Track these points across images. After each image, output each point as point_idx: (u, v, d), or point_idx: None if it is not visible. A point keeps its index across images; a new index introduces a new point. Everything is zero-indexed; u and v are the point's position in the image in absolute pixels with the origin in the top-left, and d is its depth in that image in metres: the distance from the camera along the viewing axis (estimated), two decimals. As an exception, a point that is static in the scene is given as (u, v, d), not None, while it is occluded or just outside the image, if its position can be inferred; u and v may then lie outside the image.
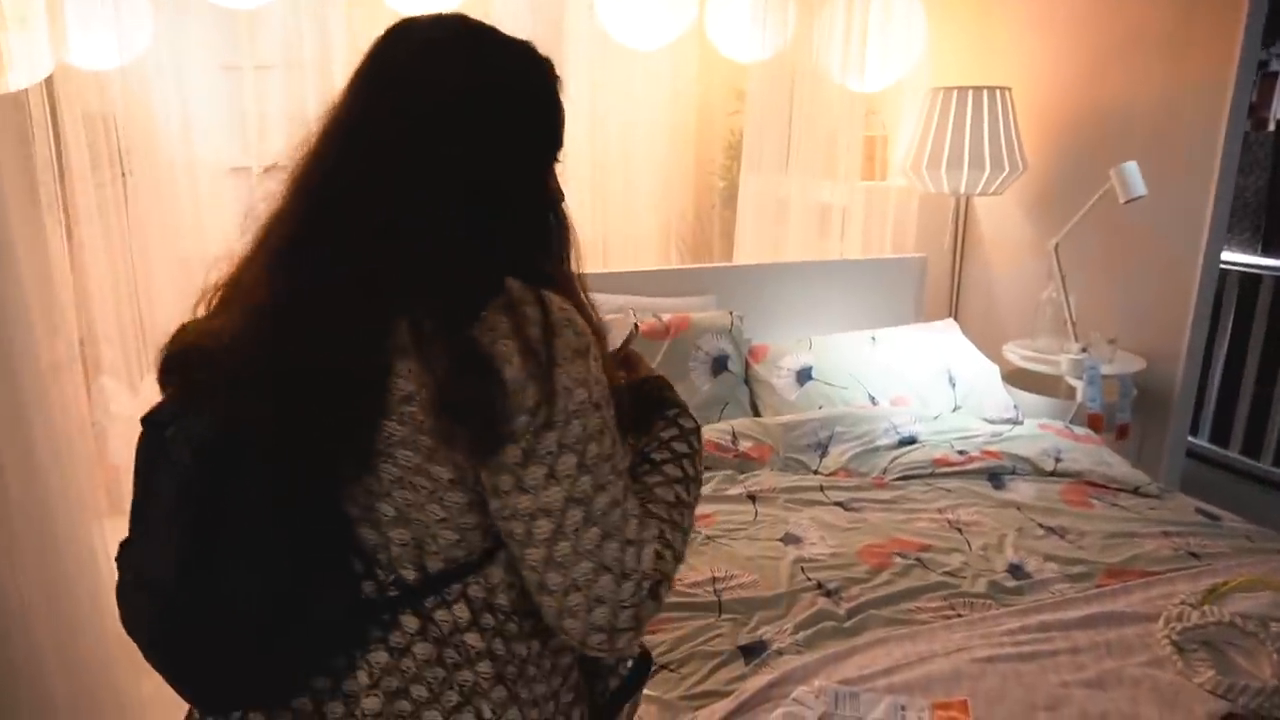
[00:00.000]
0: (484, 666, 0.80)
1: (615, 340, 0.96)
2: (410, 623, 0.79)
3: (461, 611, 0.80)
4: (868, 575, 1.68)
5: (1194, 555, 1.79)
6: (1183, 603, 1.57)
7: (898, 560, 1.74)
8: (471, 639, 0.80)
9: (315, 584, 0.77)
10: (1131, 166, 2.43)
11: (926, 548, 1.80)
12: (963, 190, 2.88)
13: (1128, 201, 2.44)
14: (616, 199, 3.61)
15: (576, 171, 3.31)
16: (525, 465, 0.74)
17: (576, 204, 3.39)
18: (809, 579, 1.66)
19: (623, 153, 3.58)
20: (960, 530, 1.89)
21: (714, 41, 2.90)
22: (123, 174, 3.35)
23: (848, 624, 1.53)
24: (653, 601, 0.78)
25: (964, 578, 1.69)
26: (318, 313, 0.74)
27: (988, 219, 3.22)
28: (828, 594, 1.61)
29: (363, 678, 0.79)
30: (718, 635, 1.50)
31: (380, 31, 0.83)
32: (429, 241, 0.75)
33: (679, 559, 0.82)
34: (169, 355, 0.81)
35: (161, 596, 0.75)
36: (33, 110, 2.26)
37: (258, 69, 2.76)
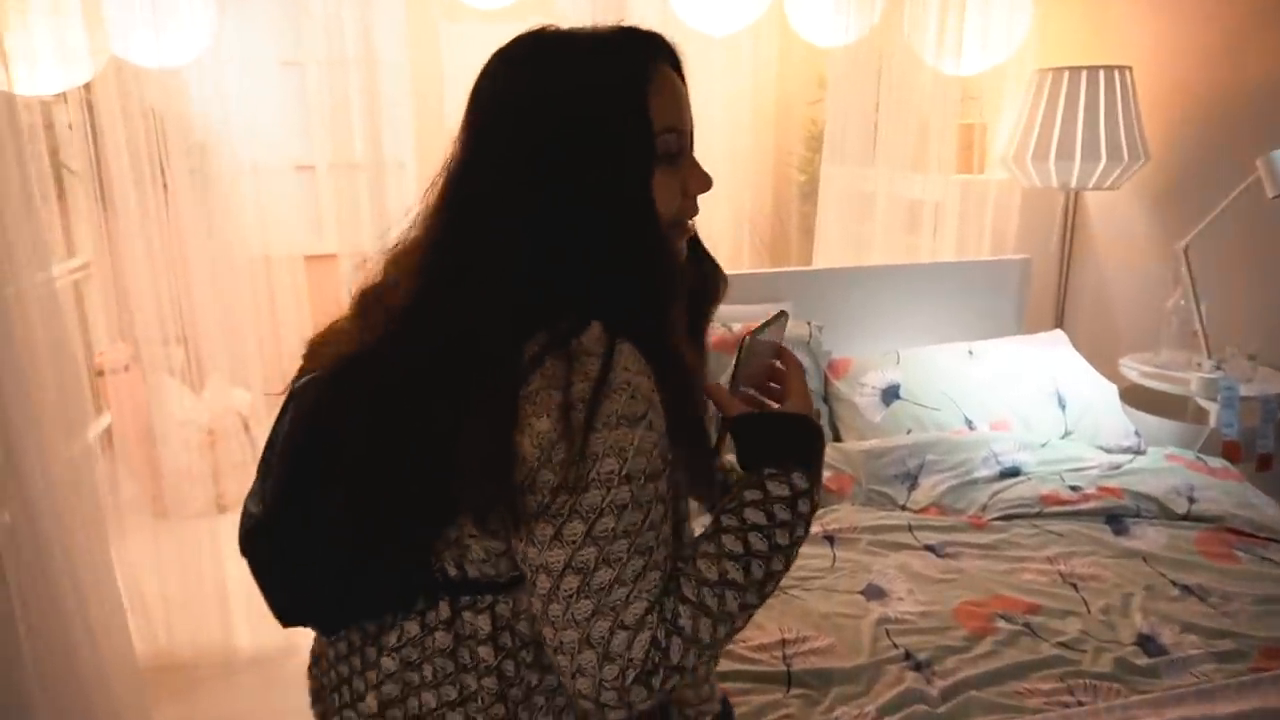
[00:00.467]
0: (489, 682, 0.81)
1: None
2: (444, 610, 0.81)
3: (484, 623, 0.81)
4: (966, 643, 1.42)
5: (1372, 630, 1.47)
6: (1367, 698, 1.27)
7: (1001, 625, 1.47)
8: (485, 652, 0.81)
9: (388, 545, 0.81)
10: (1284, 156, 2.08)
11: (1035, 609, 1.52)
12: (1074, 184, 2.55)
13: (1277, 196, 2.08)
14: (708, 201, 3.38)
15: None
16: (537, 519, 0.73)
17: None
18: (896, 646, 1.41)
19: (696, 145, 3.37)
20: (1075, 586, 1.61)
21: (794, 25, 2.64)
22: (163, 177, 3.30)
23: (942, 709, 1.27)
24: (642, 689, 0.73)
25: (1084, 651, 1.41)
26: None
27: (1102, 217, 2.87)
28: (917, 667, 1.36)
29: (392, 638, 0.83)
30: (785, 716, 1.27)
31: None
32: (499, 282, 0.75)
33: (702, 648, 0.75)
34: (314, 339, 0.92)
35: (262, 519, 0.86)
36: (99, 106, 2.16)
37: (319, 64, 2.61)
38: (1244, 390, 2.22)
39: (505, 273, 0.75)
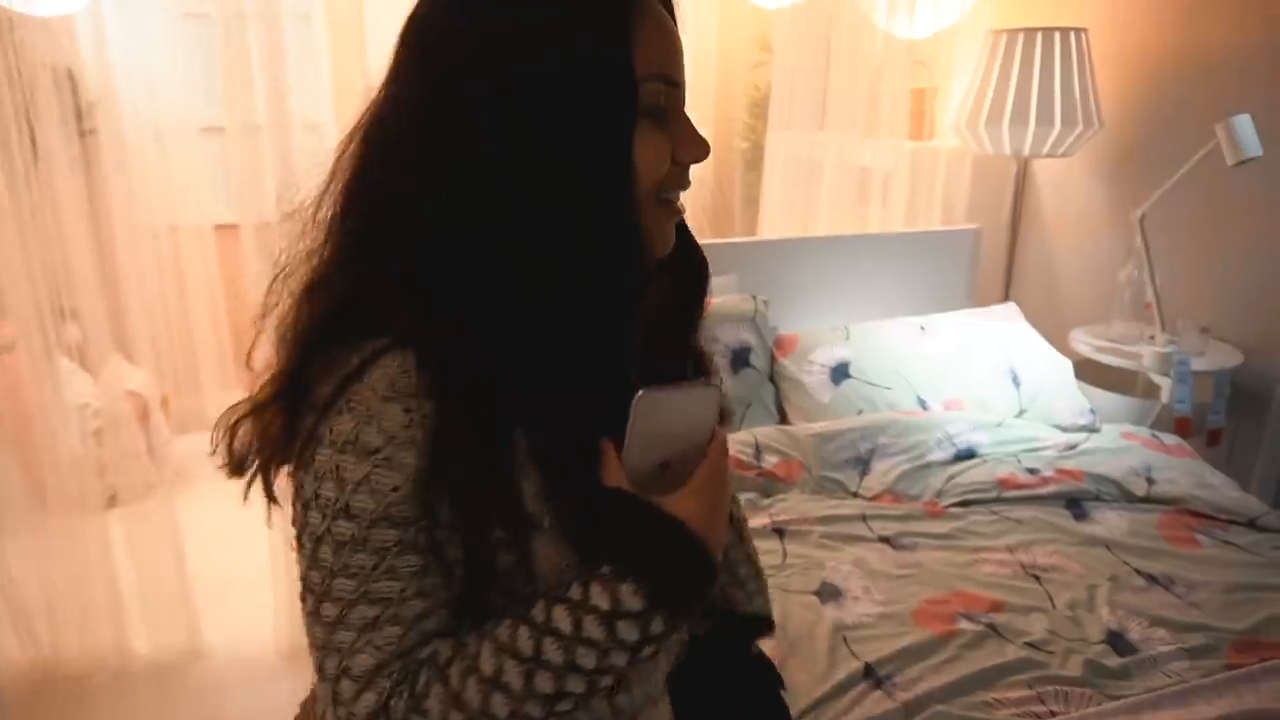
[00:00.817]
0: None
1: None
2: None
3: None
4: (928, 647, 1.31)
5: (1343, 619, 1.40)
6: (1348, 698, 1.19)
7: (964, 625, 1.36)
8: None
9: None
10: (1244, 121, 1.99)
11: (999, 605, 1.42)
12: (1027, 151, 2.45)
13: (1238, 164, 2.01)
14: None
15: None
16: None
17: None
18: (854, 655, 1.29)
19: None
20: (1038, 578, 1.51)
21: (737, -18, 2.48)
22: (83, 133, 3.00)
23: (906, 727, 1.16)
24: None
25: (1052, 652, 1.31)
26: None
27: (1051, 186, 2.79)
28: (879, 683, 1.24)
29: None
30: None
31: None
32: (389, 252, 0.62)
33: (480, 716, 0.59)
34: None
35: None
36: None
37: (224, 15, 2.34)
38: (1195, 364, 2.15)
39: (401, 241, 0.61)
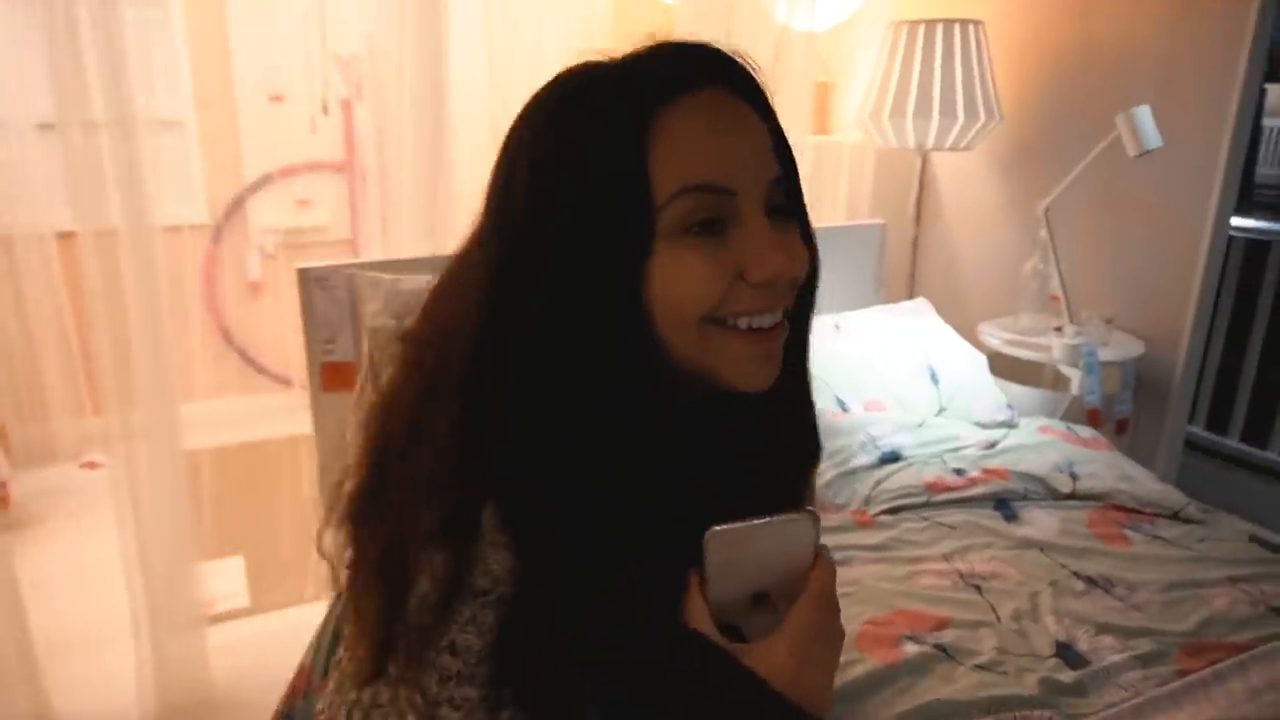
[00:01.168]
0: None
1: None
2: None
3: None
4: (878, 678, 1.20)
5: (1276, 613, 1.37)
6: (1303, 700, 1.15)
7: (910, 648, 1.26)
8: None
9: None
10: (1144, 112, 1.99)
11: (944, 623, 1.33)
12: (930, 144, 2.41)
13: (1139, 155, 2.01)
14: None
15: (472, 139, 2.76)
16: None
17: (470, 176, 2.87)
18: (799, 691, 1.18)
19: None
20: (979, 588, 1.43)
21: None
22: None
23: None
24: None
25: (1004, 673, 1.23)
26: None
27: (952, 180, 2.77)
28: (830, 720, 1.12)
29: None
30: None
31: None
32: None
33: None
34: None
35: None
36: None
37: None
38: (1101, 355, 2.15)
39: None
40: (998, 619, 1.35)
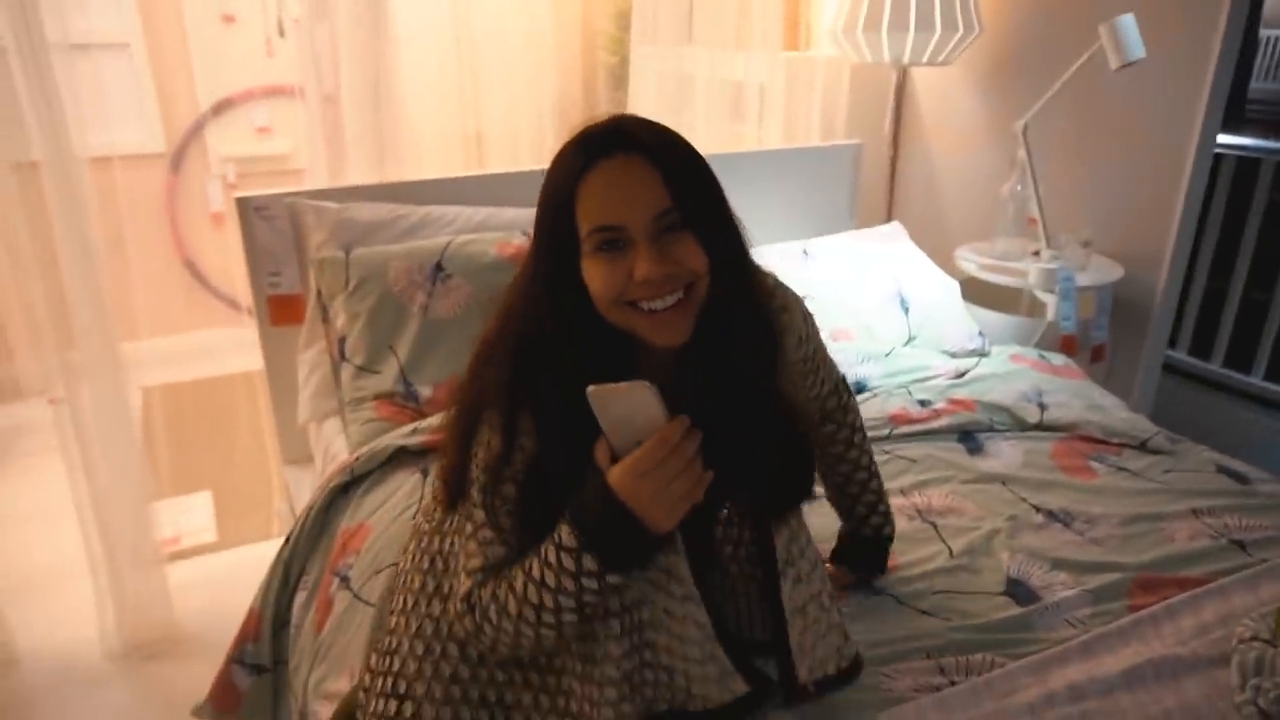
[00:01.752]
0: None
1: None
2: None
3: None
4: (820, 617, 1.16)
5: (1239, 545, 1.33)
6: (1254, 638, 1.11)
7: (852, 590, 1.23)
8: None
9: None
10: (1128, 21, 1.88)
11: (892, 566, 1.29)
12: (906, 58, 2.29)
13: (1121, 67, 1.89)
14: (490, 82, 2.93)
15: (441, 55, 2.64)
16: None
17: (439, 89, 2.74)
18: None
19: (496, 27, 2.89)
20: (935, 525, 1.39)
21: None
22: None
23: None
24: (468, 618, 0.92)
25: (947, 617, 1.19)
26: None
27: (931, 97, 2.65)
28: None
29: None
30: None
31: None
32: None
33: (502, 612, 0.89)
34: None
35: None
36: None
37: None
38: (1078, 280, 2.08)
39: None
40: (950, 554, 1.31)
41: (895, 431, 1.65)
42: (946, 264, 2.30)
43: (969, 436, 1.65)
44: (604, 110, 2.95)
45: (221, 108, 3.33)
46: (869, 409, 1.71)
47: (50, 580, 2.12)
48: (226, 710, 1.53)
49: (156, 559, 2.02)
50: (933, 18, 2.20)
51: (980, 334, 2.00)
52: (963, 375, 1.85)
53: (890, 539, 1.24)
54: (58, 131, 1.66)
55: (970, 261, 2.26)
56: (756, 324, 0.97)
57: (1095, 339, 2.13)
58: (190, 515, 2.45)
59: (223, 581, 2.19)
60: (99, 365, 1.85)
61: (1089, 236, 2.17)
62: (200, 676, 1.55)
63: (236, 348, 3.28)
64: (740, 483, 0.98)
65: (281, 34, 3.24)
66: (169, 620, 2.02)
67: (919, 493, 1.47)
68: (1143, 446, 1.63)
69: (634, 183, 0.85)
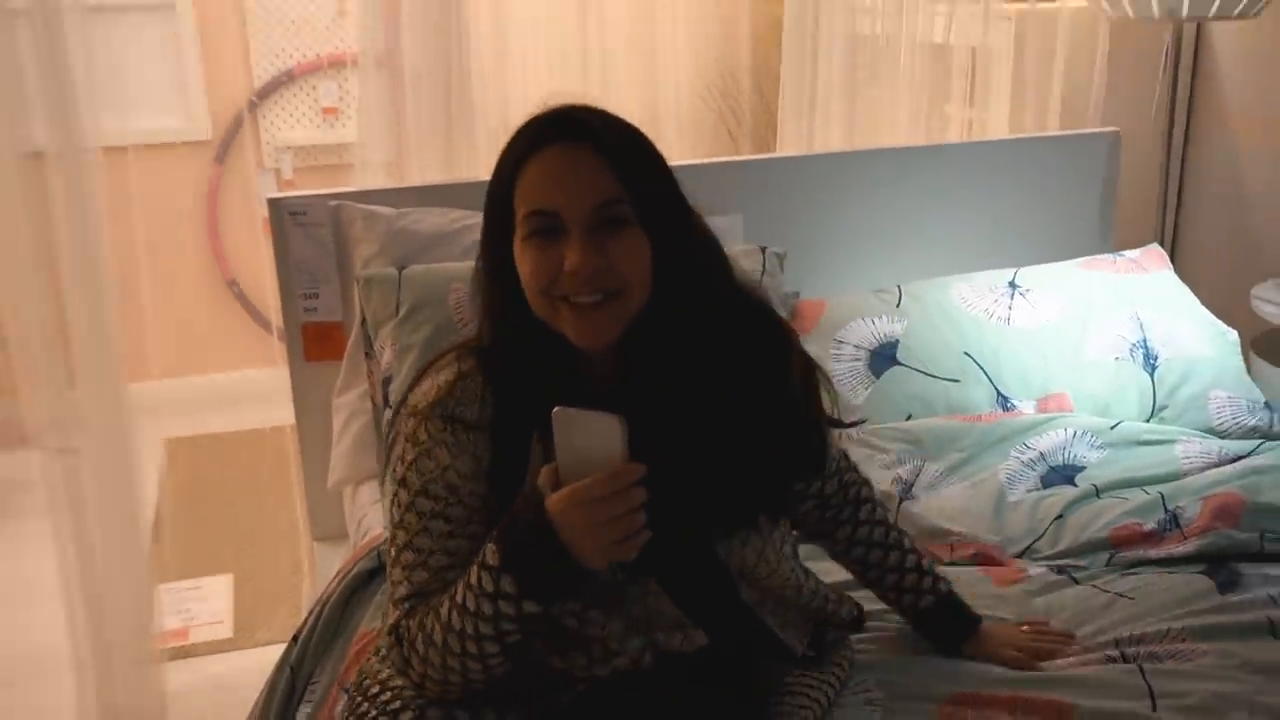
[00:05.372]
0: None
1: None
2: None
3: None
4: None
5: None
6: None
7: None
8: None
9: None
10: None
11: (1065, 712, 1.34)
12: (1186, 9, 2.32)
13: None
14: (623, 47, 3.19)
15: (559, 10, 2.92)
16: None
17: (549, 59, 3.01)
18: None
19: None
20: (1141, 669, 1.42)
21: None
22: None
23: None
24: (396, 653, 1.18)
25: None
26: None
27: (1235, 66, 2.65)
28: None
29: None
30: None
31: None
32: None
33: (428, 642, 1.13)
34: None
35: None
36: None
37: None
38: None
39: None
40: (1153, 709, 1.34)
41: (1116, 559, 1.69)
42: (1240, 306, 2.29)
43: (1222, 567, 1.65)
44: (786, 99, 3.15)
45: (279, 83, 3.75)
46: (1082, 519, 1.75)
47: (29, 670, 2.46)
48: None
49: (156, 656, 2.31)
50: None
51: (1267, 406, 2.02)
52: (1233, 462, 1.87)
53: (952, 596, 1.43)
54: (67, 113, 1.98)
55: (1273, 305, 2.25)
56: (725, 345, 1.21)
57: None
58: (203, 603, 2.77)
59: (232, 688, 2.45)
60: (99, 409, 2.15)
61: None
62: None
63: (281, 392, 3.65)
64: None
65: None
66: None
67: (1125, 626, 1.50)
68: None
69: (575, 169, 1.13)
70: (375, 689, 1.24)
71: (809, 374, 1.30)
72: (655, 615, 1.22)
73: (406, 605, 1.16)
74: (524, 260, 1.13)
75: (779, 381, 1.26)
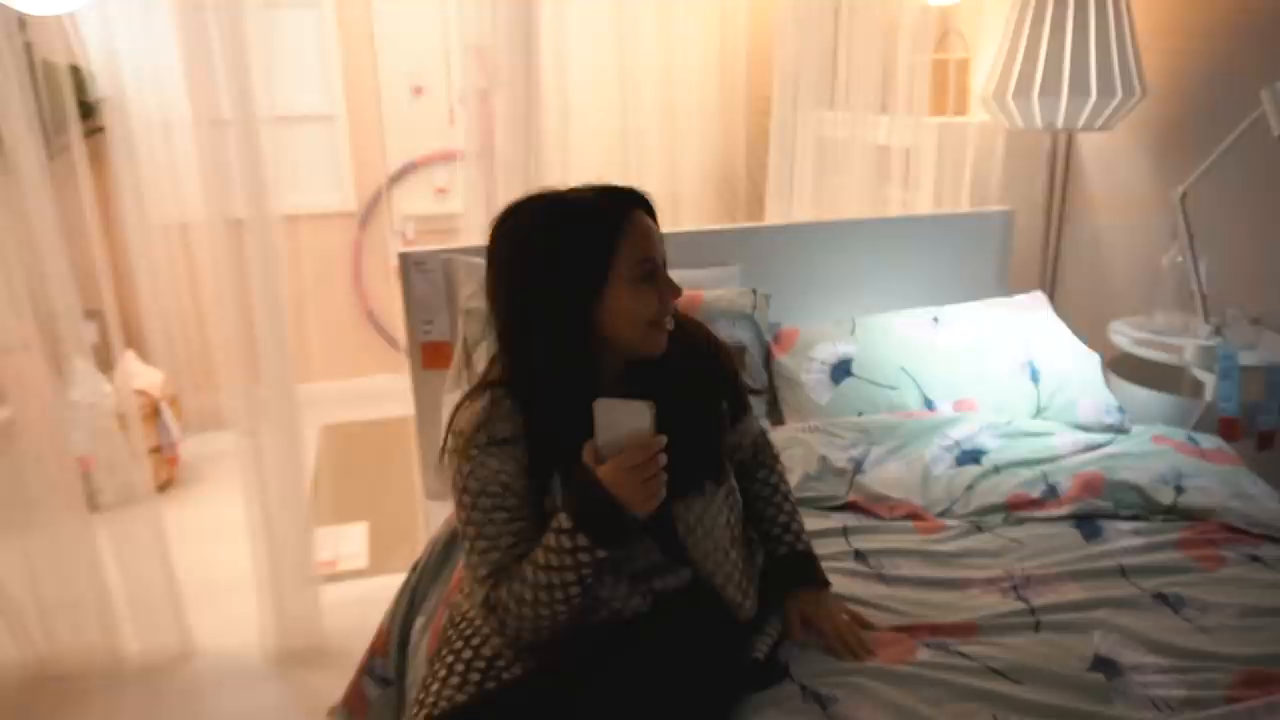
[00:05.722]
0: None
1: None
2: None
3: None
4: (879, 679, 1.24)
5: (1372, 650, 1.29)
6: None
7: (925, 655, 1.28)
8: None
9: None
10: (1290, 86, 1.86)
11: (970, 629, 1.35)
12: (1060, 124, 2.33)
13: (1286, 134, 1.87)
14: (653, 145, 3.21)
15: (604, 121, 2.94)
16: None
17: (600, 155, 3.04)
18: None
19: (661, 97, 3.17)
20: (1028, 601, 1.43)
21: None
22: (91, 131, 3.09)
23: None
24: (491, 618, 1.20)
25: (1018, 680, 1.23)
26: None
27: (1097, 162, 2.66)
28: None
29: None
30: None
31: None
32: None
33: (519, 612, 1.16)
34: None
35: None
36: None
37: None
38: (1246, 359, 2.02)
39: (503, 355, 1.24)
40: (1037, 630, 1.35)
41: (1011, 517, 1.69)
42: (1100, 336, 2.28)
43: (1088, 522, 1.66)
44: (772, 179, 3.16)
45: (406, 171, 3.80)
46: (984, 489, 1.75)
47: (224, 589, 2.50)
48: (356, 714, 1.77)
49: (314, 578, 2.34)
50: (1088, 83, 2.24)
51: (1120, 410, 1.99)
52: (1094, 449, 1.86)
53: (809, 557, 1.39)
54: (259, 192, 2.03)
55: (1124, 335, 2.24)
56: (692, 342, 1.30)
57: (1264, 424, 2.05)
58: (347, 542, 2.80)
59: (370, 603, 2.46)
60: (279, 403, 2.20)
61: (1260, 312, 2.10)
62: (340, 684, 1.80)
63: (405, 392, 3.70)
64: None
65: (464, 103, 3.68)
66: (320, 633, 2.32)
67: (1018, 569, 1.51)
68: (1286, 539, 1.58)
69: (655, 229, 1.19)
70: (463, 624, 1.28)
71: (726, 352, 1.36)
72: (650, 568, 1.25)
73: (490, 581, 1.17)
74: (638, 298, 1.14)
75: (714, 363, 1.33)
